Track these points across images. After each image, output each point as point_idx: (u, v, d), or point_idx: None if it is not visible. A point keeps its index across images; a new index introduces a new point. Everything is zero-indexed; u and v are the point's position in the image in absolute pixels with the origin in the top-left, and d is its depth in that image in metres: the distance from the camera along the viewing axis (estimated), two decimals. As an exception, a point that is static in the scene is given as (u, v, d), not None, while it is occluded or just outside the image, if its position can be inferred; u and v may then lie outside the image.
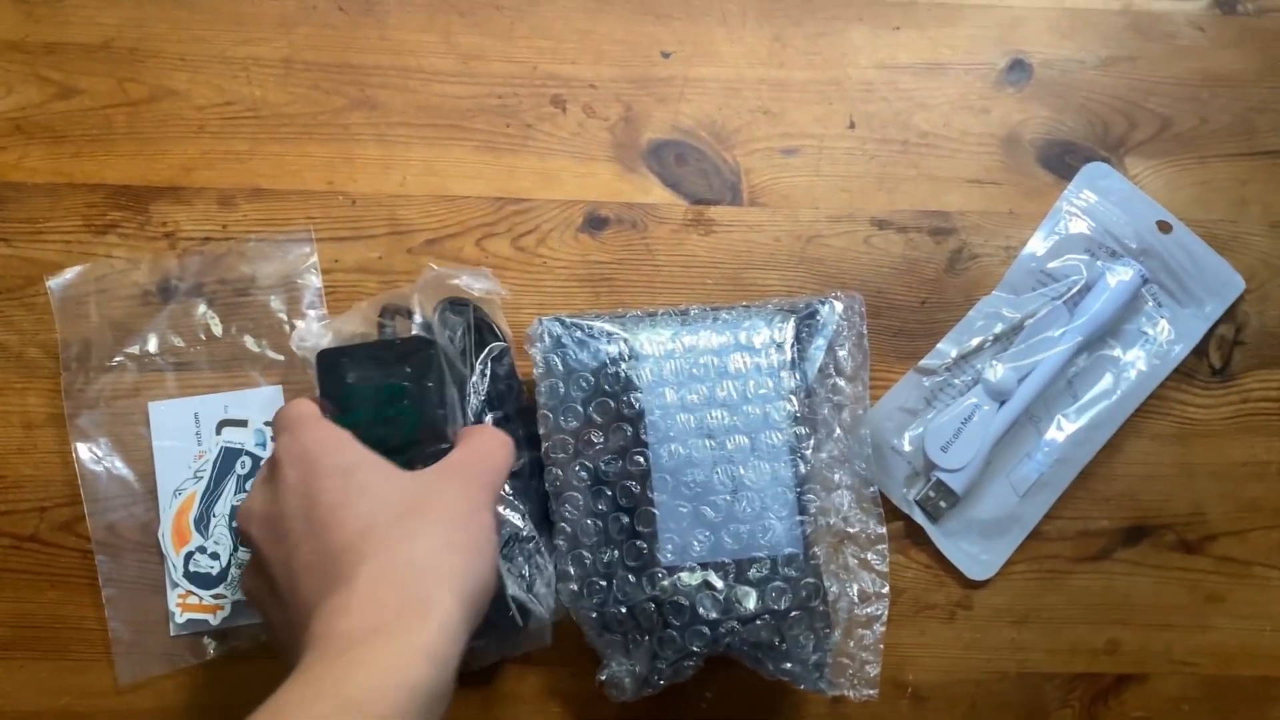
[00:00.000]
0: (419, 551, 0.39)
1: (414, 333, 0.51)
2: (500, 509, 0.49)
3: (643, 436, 0.51)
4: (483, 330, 0.53)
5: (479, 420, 0.51)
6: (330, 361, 0.49)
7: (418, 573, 0.38)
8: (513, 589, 0.49)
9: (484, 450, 0.45)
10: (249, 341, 0.57)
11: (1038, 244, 0.60)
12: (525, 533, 0.50)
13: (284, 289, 0.57)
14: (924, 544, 0.57)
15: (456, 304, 0.53)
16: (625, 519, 0.51)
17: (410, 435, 0.47)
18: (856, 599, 0.53)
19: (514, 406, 0.53)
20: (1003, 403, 0.57)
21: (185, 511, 0.55)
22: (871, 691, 0.52)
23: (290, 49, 0.60)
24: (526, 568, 0.50)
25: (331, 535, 0.40)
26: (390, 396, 0.48)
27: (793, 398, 0.52)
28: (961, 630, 0.57)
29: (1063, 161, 0.61)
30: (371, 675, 0.35)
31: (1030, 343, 0.58)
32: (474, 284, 0.53)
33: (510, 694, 0.55)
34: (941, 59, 0.62)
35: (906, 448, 0.57)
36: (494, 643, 0.50)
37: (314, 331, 0.52)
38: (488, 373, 0.52)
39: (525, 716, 0.55)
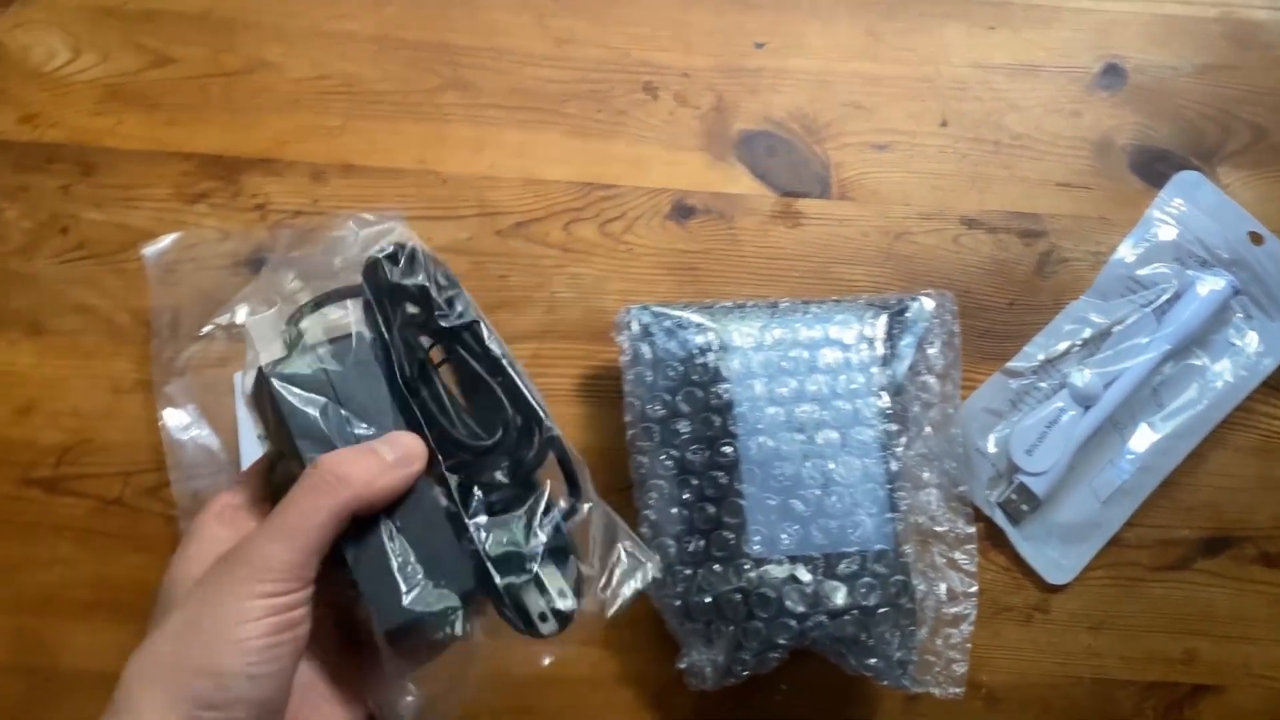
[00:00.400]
0: (136, 661, 0.36)
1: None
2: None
3: (731, 428, 0.51)
4: (392, 290, 0.43)
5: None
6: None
7: (124, 686, 0.36)
8: (538, 601, 0.41)
9: (290, 507, 0.38)
10: (338, 317, 0.57)
11: (1127, 250, 0.59)
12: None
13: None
14: (1003, 546, 0.57)
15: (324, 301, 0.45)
16: (711, 509, 0.51)
17: None
18: (944, 597, 0.53)
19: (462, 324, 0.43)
20: (1088, 408, 0.57)
21: (269, 482, 0.55)
22: (958, 690, 0.52)
23: (384, 26, 0.60)
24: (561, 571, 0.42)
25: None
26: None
27: (884, 394, 0.52)
28: (1038, 634, 0.57)
29: (1154, 169, 0.60)
30: None
31: (1118, 349, 0.58)
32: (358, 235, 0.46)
33: (586, 678, 0.55)
34: (1035, 60, 0.61)
35: (991, 449, 0.57)
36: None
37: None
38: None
39: (600, 699, 0.55)
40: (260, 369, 0.41)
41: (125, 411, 0.56)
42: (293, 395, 0.41)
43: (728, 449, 0.51)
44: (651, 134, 0.60)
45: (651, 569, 0.43)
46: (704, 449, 0.51)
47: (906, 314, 0.54)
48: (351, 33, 0.60)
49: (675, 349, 0.53)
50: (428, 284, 0.43)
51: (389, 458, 0.40)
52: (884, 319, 0.54)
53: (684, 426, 0.52)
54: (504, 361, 0.42)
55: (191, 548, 0.40)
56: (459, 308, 0.43)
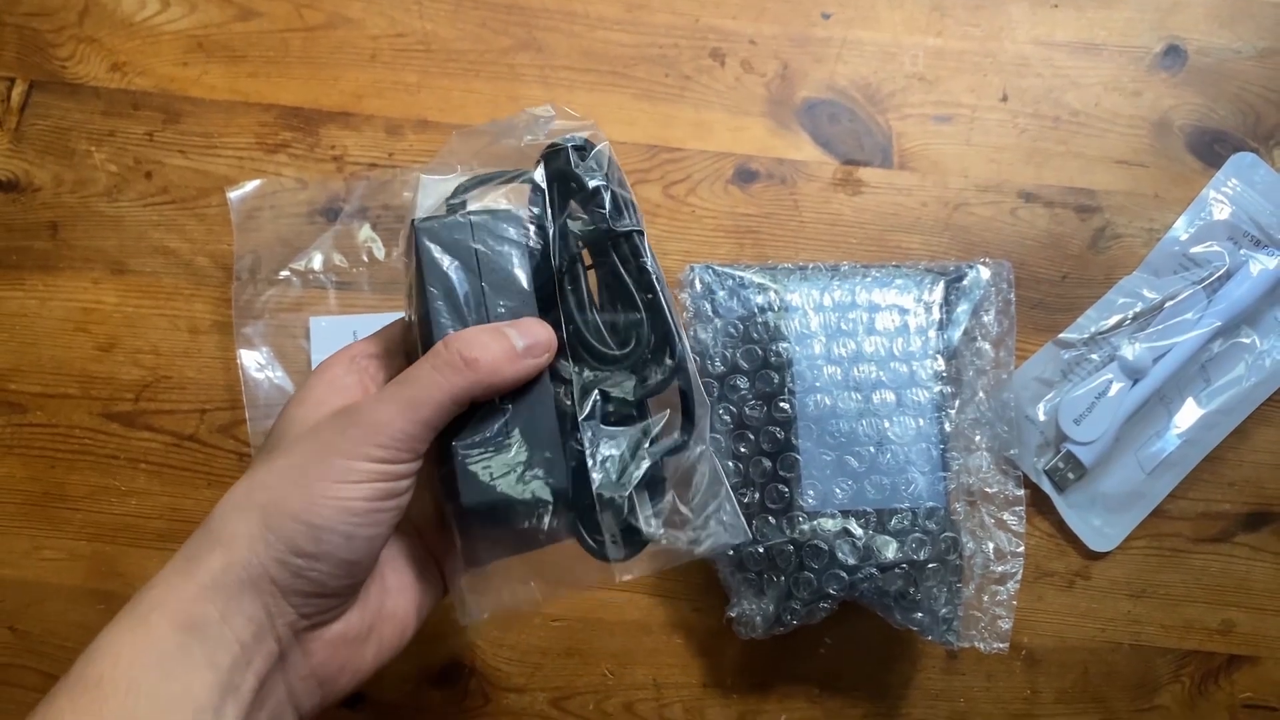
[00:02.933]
0: (231, 498, 0.38)
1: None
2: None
3: (789, 385, 0.53)
4: (568, 180, 0.43)
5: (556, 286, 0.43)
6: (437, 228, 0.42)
7: (221, 520, 0.37)
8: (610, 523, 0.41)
9: (415, 381, 0.39)
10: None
11: (1181, 228, 0.60)
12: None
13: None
14: (1048, 513, 0.58)
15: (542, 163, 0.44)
16: (768, 463, 0.53)
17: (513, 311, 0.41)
18: (992, 556, 0.54)
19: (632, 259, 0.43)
20: (1136, 381, 0.58)
21: (340, 424, 0.57)
22: (1002, 645, 0.53)
23: (462, -14, 0.62)
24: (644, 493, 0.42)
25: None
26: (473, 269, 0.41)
27: (939, 357, 0.54)
28: (1079, 599, 0.58)
29: (1211, 149, 0.61)
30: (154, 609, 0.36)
31: (1168, 324, 0.59)
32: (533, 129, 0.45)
33: (639, 623, 0.57)
34: (1097, 39, 0.62)
35: (1041, 418, 0.58)
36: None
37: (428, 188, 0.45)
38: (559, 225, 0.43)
39: (650, 644, 0.57)
40: (412, 221, 0.41)
41: (202, 351, 0.59)
42: (437, 254, 0.41)
43: (785, 405, 0.53)
44: (717, 99, 0.61)
45: (742, 533, 0.44)
46: (762, 405, 0.53)
47: (964, 281, 0.56)
48: (429, -8, 0.61)
49: (736, 307, 0.54)
50: (605, 184, 0.42)
51: (519, 345, 0.40)
52: (941, 285, 0.55)
53: (743, 383, 0.53)
54: (654, 278, 0.42)
55: (315, 390, 0.41)
56: (626, 216, 0.43)
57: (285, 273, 0.58)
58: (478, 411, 0.40)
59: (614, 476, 0.41)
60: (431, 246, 0.41)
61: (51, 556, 0.57)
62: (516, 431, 0.40)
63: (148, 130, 0.60)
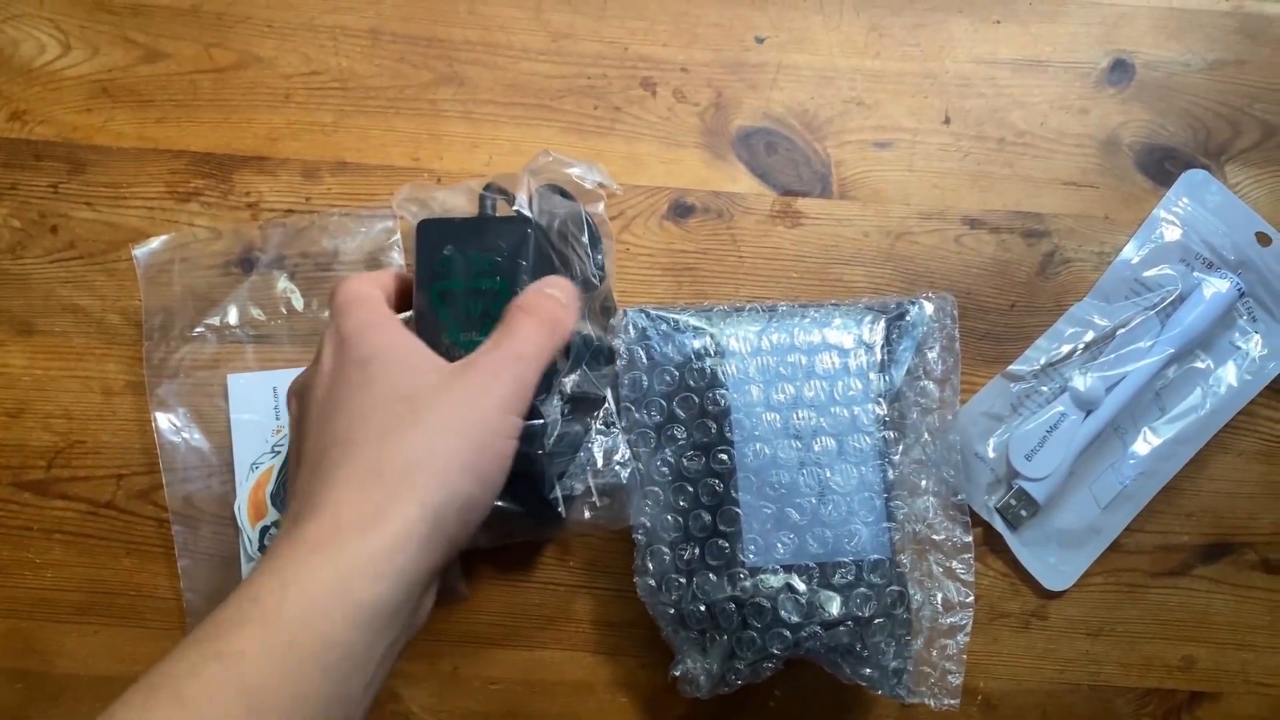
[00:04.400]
0: (401, 454, 0.37)
1: (514, 212, 0.50)
2: (553, 401, 0.47)
3: (727, 434, 0.51)
4: (591, 227, 0.53)
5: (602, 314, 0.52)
6: (429, 230, 0.48)
7: (390, 478, 0.37)
8: (564, 482, 0.49)
9: (523, 337, 0.42)
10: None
11: (1132, 251, 0.58)
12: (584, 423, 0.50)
13: (367, 265, 0.57)
14: (1001, 552, 0.56)
15: (561, 191, 0.53)
16: (707, 517, 0.51)
17: (499, 310, 0.46)
18: (940, 607, 0.53)
19: (613, 304, 0.54)
20: (1089, 412, 0.56)
21: (262, 486, 0.55)
22: (953, 701, 0.51)
23: (378, 19, 0.59)
24: (595, 452, 0.50)
25: (331, 428, 0.39)
26: (482, 269, 0.47)
27: (882, 401, 0.51)
28: (1035, 640, 0.56)
29: (1161, 167, 0.59)
30: (309, 593, 0.34)
31: (1120, 353, 0.57)
32: (586, 176, 0.53)
33: (582, 682, 0.55)
34: (1041, 55, 0.60)
35: (990, 454, 0.56)
36: (535, 527, 0.52)
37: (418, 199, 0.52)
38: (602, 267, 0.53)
39: (594, 704, 0.55)
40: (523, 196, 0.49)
41: (117, 413, 0.56)
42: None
43: (724, 456, 0.51)
44: (649, 131, 0.59)
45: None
46: (700, 455, 0.51)
47: (906, 318, 0.54)
48: (344, 27, 0.59)
49: (672, 353, 0.52)
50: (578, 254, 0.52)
51: (564, 300, 0.45)
52: (883, 323, 0.53)
53: (680, 432, 0.51)
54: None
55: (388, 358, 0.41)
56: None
57: (200, 329, 0.56)
58: None
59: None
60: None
61: (-36, 635, 0.55)
62: None
63: (52, 182, 0.57)
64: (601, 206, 0.54)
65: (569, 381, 0.48)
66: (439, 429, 0.38)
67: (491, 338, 0.42)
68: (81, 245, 0.57)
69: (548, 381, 0.47)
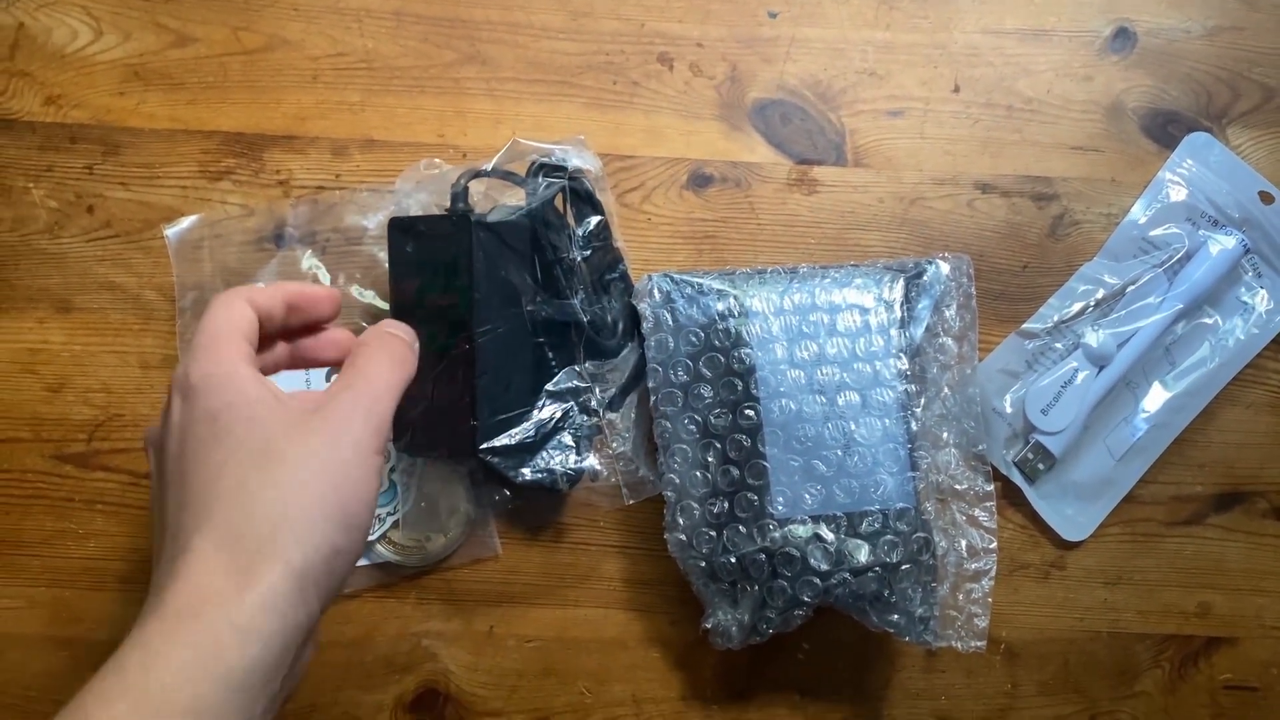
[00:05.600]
0: (260, 513, 0.36)
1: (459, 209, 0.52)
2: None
3: (753, 391, 0.52)
4: (581, 199, 0.55)
5: (594, 289, 0.54)
6: (395, 229, 0.52)
7: (250, 540, 0.35)
8: (554, 463, 0.52)
9: (373, 375, 0.41)
10: (356, 290, 0.58)
11: (1139, 212, 0.60)
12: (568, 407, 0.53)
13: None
14: (1020, 505, 0.58)
15: (550, 168, 0.54)
16: (735, 472, 0.52)
17: (466, 312, 0.49)
18: (965, 554, 0.54)
19: (617, 274, 0.56)
20: (1102, 368, 0.58)
21: (299, 454, 0.56)
22: (979, 644, 0.53)
23: (401, 1, 0.60)
24: (574, 433, 0.53)
25: (186, 487, 0.37)
26: (448, 269, 0.50)
27: (902, 356, 0.53)
28: (1055, 590, 0.58)
29: (1165, 131, 0.61)
30: (175, 664, 0.33)
31: (1130, 309, 0.58)
32: (566, 159, 0.55)
33: (615, 639, 0.57)
34: (1046, 25, 0.62)
35: (1008, 410, 0.58)
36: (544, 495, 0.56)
37: (406, 190, 0.55)
38: (587, 247, 0.54)
39: (626, 660, 0.56)
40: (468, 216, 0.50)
41: (154, 386, 0.57)
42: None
43: (750, 412, 0.52)
44: (667, 104, 0.60)
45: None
46: (727, 413, 0.52)
47: (923, 278, 0.55)
48: (369, 9, 0.60)
49: (697, 315, 0.53)
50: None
51: (407, 337, 0.45)
52: (901, 282, 0.54)
53: (707, 391, 0.53)
54: None
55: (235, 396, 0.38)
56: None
57: (235, 303, 0.57)
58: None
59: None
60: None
61: (10, 605, 0.56)
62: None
63: (87, 163, 0.58)
64: (588, 180, 0.55)
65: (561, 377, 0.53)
66: (297, 483, 0.37)
67: (341, 378, 0.41)
68: (117, 224, 0.58)
69: (538, 384, 0.52)
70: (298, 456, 0.37)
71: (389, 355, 0.42)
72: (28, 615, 0.56)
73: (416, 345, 0.45)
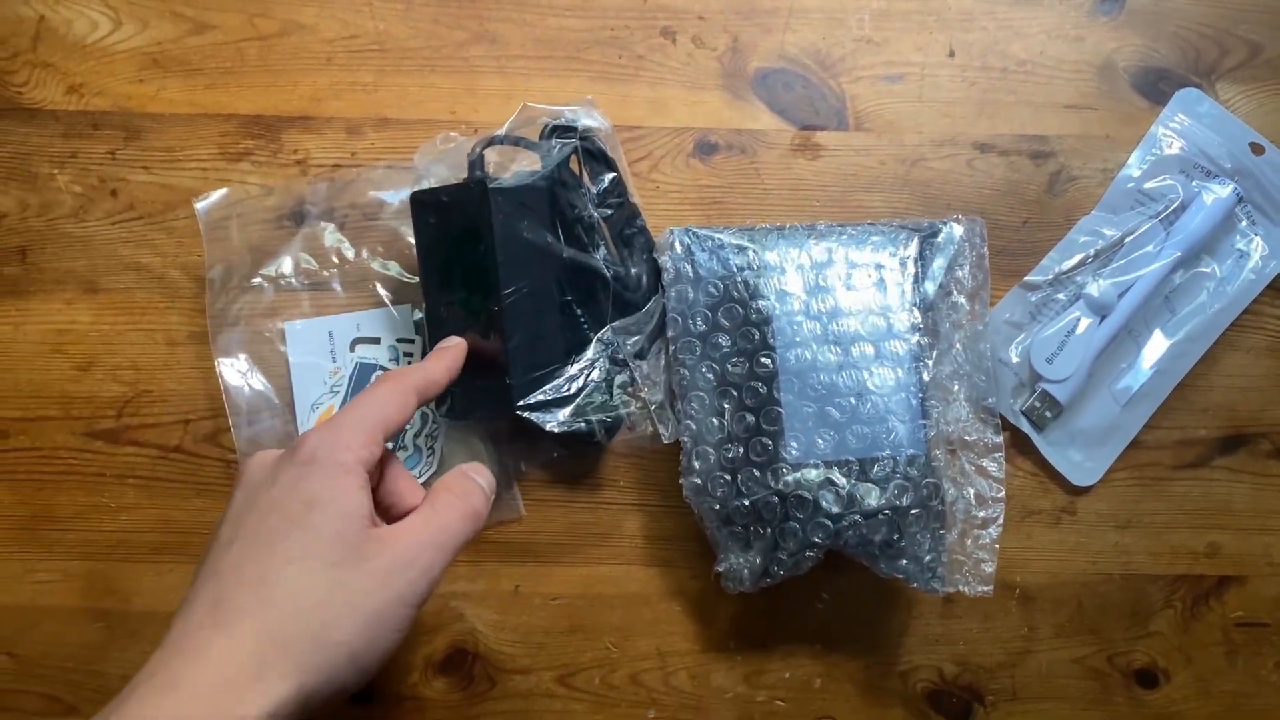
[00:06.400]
0: (298, 625, 0.38)
1: (480, 175, 0.54)
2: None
3: (770, 341, 0.54)
4: (594, 158, 0.57)
5: (615, 244, 0.57)
6: (417, 201, 0.54)
7: (280, 649, 0.37)
8: (591, 413, 0.54)
9: (444, 525, 0.43)
10: (377, 264, 0.59)
11: (1134, 165, 0.62)
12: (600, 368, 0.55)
13: (410, 213, 0.59)
14: (1029, 453, 0.59)
15: (561, 129, 0.57)
16: (750, 418, 0.53)
17: (486, 271, 0.51)
18: (973, 502, 0.55)
19: (636, 229, 0.58)
20: (1104, 317, 0.59)
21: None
22: (986, 588, 0.54)
23: (411, -16, 0.62)
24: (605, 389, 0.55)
25: (257, 551, 0.39)
26: (471, 236, 0.52)
27: (915, 310, 0.54)
28: (1066, 535, 0.59)
29: (1156, 88, 0.63)
30: None
31: (1129, 259, 0.60)
32: (577, 119, 0.57)
33: (637, 594, 0.58)
34: (1037, -10, 0.64)
35: (1014, 360, 0.59)
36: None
37: (424, 165, 0.57)
38: (604, 204, 0.57)
39: (649, 614, 0.58)
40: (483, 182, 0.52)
41: (181, 363, 0.59)
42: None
43: (766, 360, 0.53)
44: (671, 76, 0.62)
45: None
46: (744, 361, 0.54)
47: (938, 238, 0.57)
48: (379, -7, 0.62)
49: (716, 267, 0.55)
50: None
51: (486, 488, 0.48)
52: (916, 241, 0.56)
53: (724, 340, 0.54)
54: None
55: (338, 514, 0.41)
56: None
57: (257, 279, 0.59)
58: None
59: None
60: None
61: (45, 579, 0.57)
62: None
63: (109, 149, 0.60)
64: (599, 138, 0.57)
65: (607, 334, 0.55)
66: (339, 612, 0.38)
67: (420, 513, 0.43)
68: (140, 206, 0.60)
69: (568, 340, 0.55)
70: (348, 587, 0.39)
71: (466, 506, 0.44)
72: (62, 588, 0.57)
73: (493, 490, 0.47)
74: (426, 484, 0.56)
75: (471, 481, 0.46)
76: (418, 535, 0.42)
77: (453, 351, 0.51)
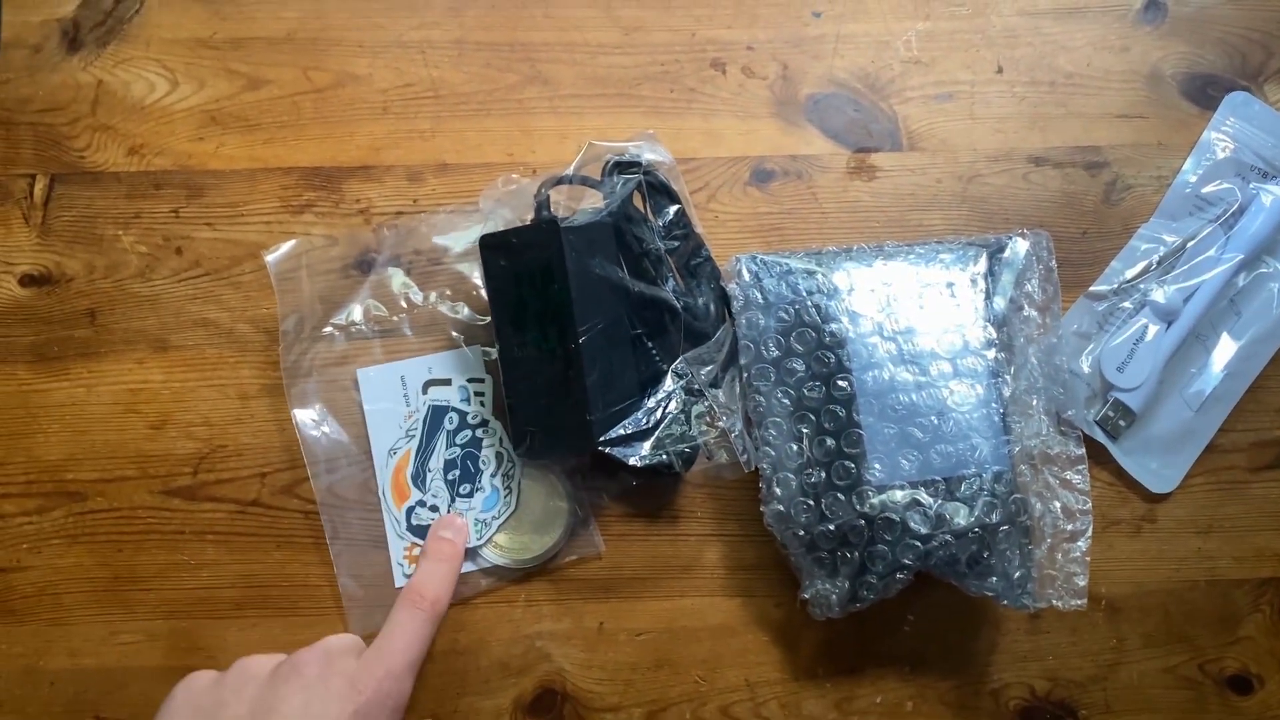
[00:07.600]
0: None
1: (549, 214, 0.55)
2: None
3: (845, 364, 0.54)
4: (657, 191, 0.57)
5: (682, 276, 0.58)
6: (486, 244, 0.54)
7: None
8: (669, 446, 0.54)
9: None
10: (446, 307, 0.60)
11: (1189, 171, 0.62)
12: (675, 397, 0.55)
13: (476, 256, 0.59)
14: (1106, 462, 0.59)
15: (624, 165, 0.57)
16: (831, 442, 0.53)
17: (559, 308, 0.52)
18: (1060, 515, 0.55)
19: (702, 259, 0.59)
20: (1171, 323, 0.59)
21: (402, 469, 0.58)
22: (1079, 602, 0.54)
23: (462, 30, 0.63)
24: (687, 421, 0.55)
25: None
26: (543, 276, 0.52)
27: (989, 325, 0.55)
28: (1148, 543, 0.59)
29: (1205, 93, 0.63)
30: None
31: (1192, 264, 0.60)
32: (640, 154, 0.58)
33: (722, 625, 0.57)
34: (1079, 3, 0.64)
35: (1085, 370, 0.59)
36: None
37: (489, 208, 0.58)
38: (670, 236, 0.58)
39: (737, 645, 0.57)
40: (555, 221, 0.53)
41: (254, 416, 0.59)
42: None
43: (844, 384, 0.53)
44: (724, 106, 0.63)
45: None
46: (820, 385, 0.54)
47: (1004, 253, 0.57)
48: (431, 40, 0.63)
49: (786, 292, 0.55)
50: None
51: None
52: (984, 257, 0.56)
53: (799, 365, 0.54)
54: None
55: None
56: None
57: (328, 328, 0.59)
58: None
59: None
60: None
61: (129, 640, 0.57)
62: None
63: (173, 207, 0.61)
64: (661, 172, 0.58)
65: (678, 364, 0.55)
66: None
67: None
68: (206, 263, 0.60)
69: (641, 374, 0.55)
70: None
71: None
72: (147, 648, 0.57)
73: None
74: (504, 524, 0.56)
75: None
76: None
77: (451, 563, 0.55)
